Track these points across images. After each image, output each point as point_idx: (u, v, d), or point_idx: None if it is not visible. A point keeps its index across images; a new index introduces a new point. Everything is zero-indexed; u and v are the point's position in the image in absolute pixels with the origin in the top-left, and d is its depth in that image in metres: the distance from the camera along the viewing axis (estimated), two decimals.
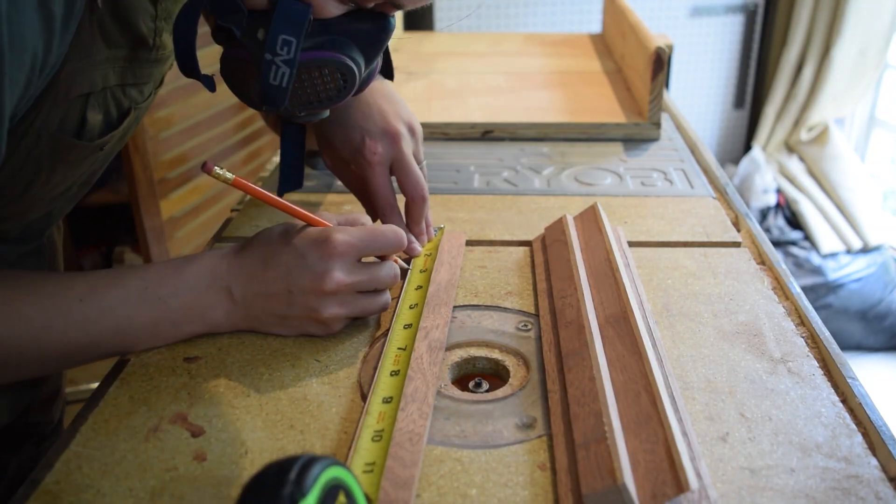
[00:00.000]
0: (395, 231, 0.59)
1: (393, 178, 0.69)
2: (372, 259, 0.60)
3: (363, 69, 0.58)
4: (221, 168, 0.54)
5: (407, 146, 0.68)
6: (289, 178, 0.74)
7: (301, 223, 0.59)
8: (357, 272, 0.57)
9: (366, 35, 0.58)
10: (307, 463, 0.36)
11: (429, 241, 0.72)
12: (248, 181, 0.57)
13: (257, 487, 0.36)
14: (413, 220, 0.69)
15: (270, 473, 0.36)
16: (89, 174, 0.64)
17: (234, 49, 0.57)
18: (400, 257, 0.67)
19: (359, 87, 0.59)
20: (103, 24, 0.53)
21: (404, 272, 0.66)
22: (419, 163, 0.71)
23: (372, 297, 0.59)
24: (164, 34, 0.61)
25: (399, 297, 0.63)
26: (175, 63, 0.66)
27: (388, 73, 0.73)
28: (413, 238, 0.68)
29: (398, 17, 1.57)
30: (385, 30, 0.58)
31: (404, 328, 0.59)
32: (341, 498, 0.37)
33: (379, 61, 0.62)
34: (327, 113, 0.65)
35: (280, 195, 0.71)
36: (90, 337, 0.54)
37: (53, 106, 0.52)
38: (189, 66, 0.57)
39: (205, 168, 0.54)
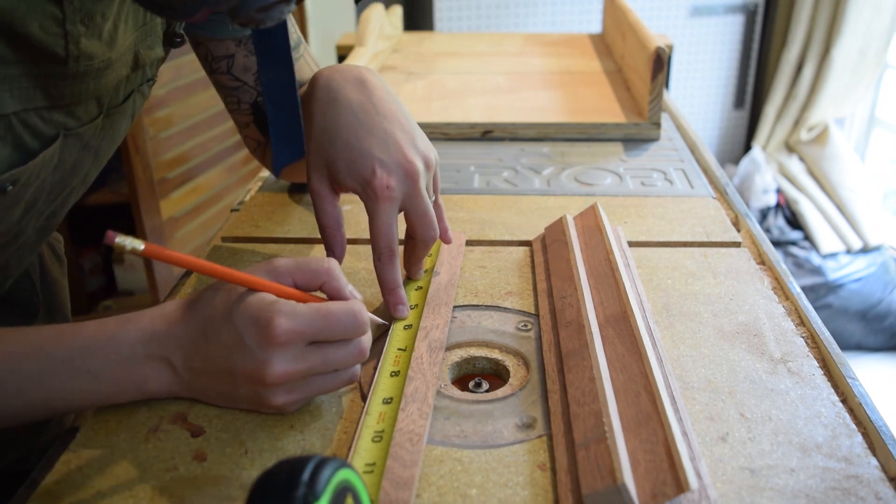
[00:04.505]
0: (352, 314, 0.49)
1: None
2: None
3: None
4: (127, 237, 0.43)
5: (422, 184, 0.59)
6: (285, 148, 0.62)
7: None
8: (306, 357, 0.48)
9: None
10: (319, 464, 0.36)
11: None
12: (161, 248, 0.45)
13: (268, 487, 0.35)
14: (415, 258, 0.64)
15: (281, 473, 0.36)
16: (46, 217, 0.57)
17: None
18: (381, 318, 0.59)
19: None
20: None
21: (384, 330, 0.58)
22: (433, 197, 0.63)
23: (332, 374, 0.50)
24: (85, 40, 0.50)
25: None
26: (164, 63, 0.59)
27: None
28: (403, 298, 0.60)
29: (397, 17, 1.57)
30: None
31: (404, 329, 0.59)
32: (349, 501, 0.37)
33: None
34: (285, 13, 0.49)
35: (278, 172, 0.64)
36: (13, 409, 0.48)
37: None
38: None
39: (106, 239, 0.42)
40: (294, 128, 0.62)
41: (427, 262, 0.68)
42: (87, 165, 0.58)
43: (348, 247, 0.70)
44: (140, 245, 0.43)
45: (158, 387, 0.50)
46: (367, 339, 0.51)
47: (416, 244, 0.62)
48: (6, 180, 0.49)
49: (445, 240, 0.68)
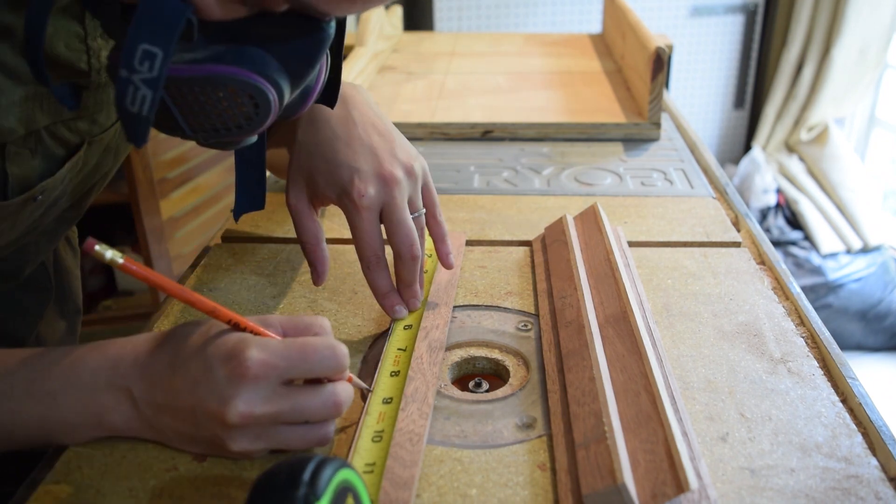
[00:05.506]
0: (331, 348, 0.45)
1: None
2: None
3: (286, 92, 0.46)
4: (108, 248, 0.41)
5: (400, 192, 0.58)
6: (247, 198, 0.63)
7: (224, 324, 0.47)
8: (276, 400, 0.44)
9: (291, 47, 0.45)
10: (320, 464, 0.36)
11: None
12: (136, 265, 0.43)
13: (268, 487, 0.35)
14: (402, 280, 0.60)
15: (281, 473, 0.36)
16: (65, 209, 0.58)
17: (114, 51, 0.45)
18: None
19: (284, 112, 0.48)
20: (2, 63, 0.46)
21: (365, 394, 0.52)
22: (416, 211, 0.61)
23: (302, 428, 0.46)
24: (104, 52, 0.52)
25: None
26: None
27: (329, 96, 0.56)
28: (398, 299, 0.60)
29: (397, 17, 1.57)
30: (318, 42, 0.45)
31: (404, 329, 0.59)
32: (350, 501, 0.37)
33: (321, 77, 0.50)
34: (254, 139, 0.50)
35: (237, 217, 0.64)
36: None
37: None
38: (35, 69, 0.45)
39: (85, 247, 0.41)
40: (258, 181, 0.64)
41: (427, 264, 0.68)
42: (109, 164, 0.60)
43: (347, 248, 0.70)
44: (119, 258, 0.41)
45: (117, 420, 0.47)
46: (343, 389, 0.46)
47: (398, 263, 0.59)
48: (38, 192, 0.51)
49: (446, 265, 0.64)
